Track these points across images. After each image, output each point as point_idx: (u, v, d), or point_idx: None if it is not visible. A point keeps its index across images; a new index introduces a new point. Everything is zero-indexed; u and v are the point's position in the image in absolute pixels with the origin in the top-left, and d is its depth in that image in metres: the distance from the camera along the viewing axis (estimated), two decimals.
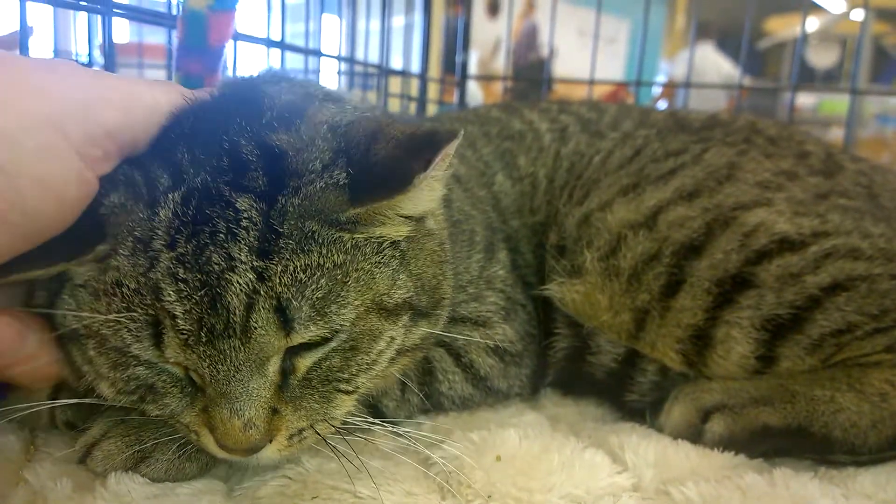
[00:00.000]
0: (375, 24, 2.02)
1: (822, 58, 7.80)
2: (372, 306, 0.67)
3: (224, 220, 0.63)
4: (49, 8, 1.13)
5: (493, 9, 6.59)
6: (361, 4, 2.22)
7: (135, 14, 1.18)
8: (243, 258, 0.61)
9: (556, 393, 1.04)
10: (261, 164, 0.66)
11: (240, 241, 0.62)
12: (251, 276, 0.61)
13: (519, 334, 0.97)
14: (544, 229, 1.10)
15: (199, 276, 0.61)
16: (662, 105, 4.85)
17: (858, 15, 7.30)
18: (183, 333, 0.62)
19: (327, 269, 0.64)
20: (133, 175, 0.66)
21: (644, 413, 0.93)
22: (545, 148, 1.18)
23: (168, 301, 0.61)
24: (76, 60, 2.52)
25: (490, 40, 6.39)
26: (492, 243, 1.02)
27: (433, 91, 2.44)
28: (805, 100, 6.22)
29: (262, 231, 0.63)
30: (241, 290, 0.61)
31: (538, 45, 6.76)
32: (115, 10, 1.06)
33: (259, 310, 0.61)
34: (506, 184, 1.14)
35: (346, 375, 0.69)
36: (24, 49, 1.03)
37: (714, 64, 6.41)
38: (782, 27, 7.90)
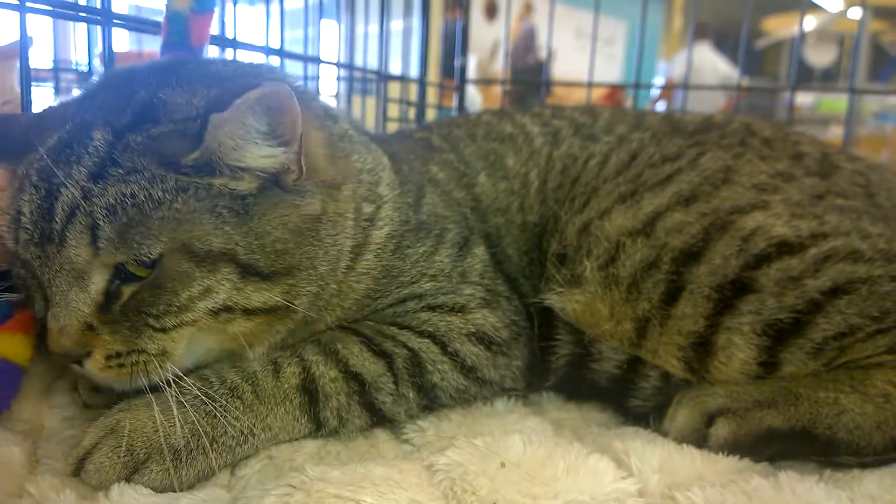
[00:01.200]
0: (374, 28, 2.02)
1: (819, 56, 7.79)
2: (182, 248, 0.74)
3: (80, 146, 0.75)
4: (49, 18, 1.14)
5: (491, 12, 6.60)
6: (360, 9, 2.22)
7: (134, 24, 1.19)
8: (77, 177, 0.73)
9: (559, 397, 1.03)
10: (136, 109, 0.78)
11: (81, 163, 0.74)
12: (77, 193, 0.73)
13: (503, 322, 0.97)
14: (540, 231, 1.10)
15: (45, 186, 0.75)
16: (661, 106, 4.85)
17: (856, 13, 7.31)
18: (26, 232, 0.75)
19: (140, 200, 0.73)
20: (45, 119, 0.82)
21: (648, 417, 0.93)
22: (537, 150, 1.19)
23: (22, 201, 0.75)
24: (76, 69, 2.53)
25: (488, 43, 6.39)
26: (467, 239, 1.04)
27: (432, 95, 2.44)
28: (804, 98, 6.22)
29: (102, 158, 0.74)
30: (67, 203, 0.73)
31: (536, 47, 6.77)
32: (114, 20, 1.07)
33: (76, 223, 0.72)
34: (487, 183, 1.15)
35: (154, 312, 0.75)
36: (24, 59, 1.04)
37: (711, 63, 6.40)
38: (780, 26, 7.90)
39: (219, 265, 0.75)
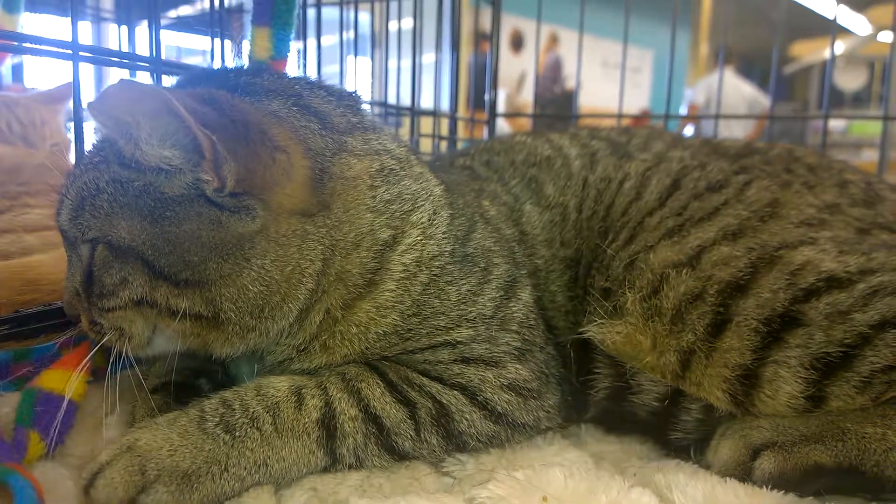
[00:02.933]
0: (400, 62, 2.07)
1: (849, 80, 7.72)
2: (103, 236, 0.80)
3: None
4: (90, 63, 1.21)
5: (517, 45, 6.69)
6: (390, 43, 2.27)
7: (181, 70, 1.24)
8: (87, 158, 0.87)
9: (598, 430, 1.03)
10: None
11: (96, 146, 0.89)
12: (79, 169, 0.86)
13: (534, 374, 0.95)
14: (576, 265, 1.08)
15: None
16: (689, 131, 4.84)
17: (886, 37, 7.24)
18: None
19: (88, 186, 0.82)
20: None
21: (689, 449, 0.92)
22: (574, 175, 1.16)
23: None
24: None
25: (514, 75, 6.47)
26: (514, 280, 0.99)
27: (462, 129, 2.46)
28: (835, 123, 6.16)
29: (101, 145, 0.86)
30: (71, 178, 0.86)
31: (563, 77, 6.82)
32: (163, 67, 1.12)
33: (63, 197, 0.85)
34: (533, 213, 1.12)
35: (95, 291, 0.82)
36: (77, 102, 1.10)
37: (735, 87, 6.38)
38: (807, 51, 7.87)
39: (130, 259, 0.80)
